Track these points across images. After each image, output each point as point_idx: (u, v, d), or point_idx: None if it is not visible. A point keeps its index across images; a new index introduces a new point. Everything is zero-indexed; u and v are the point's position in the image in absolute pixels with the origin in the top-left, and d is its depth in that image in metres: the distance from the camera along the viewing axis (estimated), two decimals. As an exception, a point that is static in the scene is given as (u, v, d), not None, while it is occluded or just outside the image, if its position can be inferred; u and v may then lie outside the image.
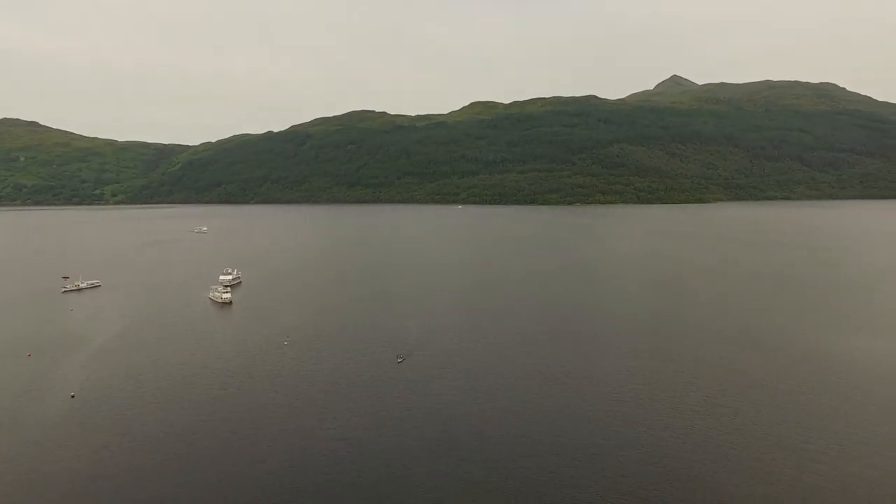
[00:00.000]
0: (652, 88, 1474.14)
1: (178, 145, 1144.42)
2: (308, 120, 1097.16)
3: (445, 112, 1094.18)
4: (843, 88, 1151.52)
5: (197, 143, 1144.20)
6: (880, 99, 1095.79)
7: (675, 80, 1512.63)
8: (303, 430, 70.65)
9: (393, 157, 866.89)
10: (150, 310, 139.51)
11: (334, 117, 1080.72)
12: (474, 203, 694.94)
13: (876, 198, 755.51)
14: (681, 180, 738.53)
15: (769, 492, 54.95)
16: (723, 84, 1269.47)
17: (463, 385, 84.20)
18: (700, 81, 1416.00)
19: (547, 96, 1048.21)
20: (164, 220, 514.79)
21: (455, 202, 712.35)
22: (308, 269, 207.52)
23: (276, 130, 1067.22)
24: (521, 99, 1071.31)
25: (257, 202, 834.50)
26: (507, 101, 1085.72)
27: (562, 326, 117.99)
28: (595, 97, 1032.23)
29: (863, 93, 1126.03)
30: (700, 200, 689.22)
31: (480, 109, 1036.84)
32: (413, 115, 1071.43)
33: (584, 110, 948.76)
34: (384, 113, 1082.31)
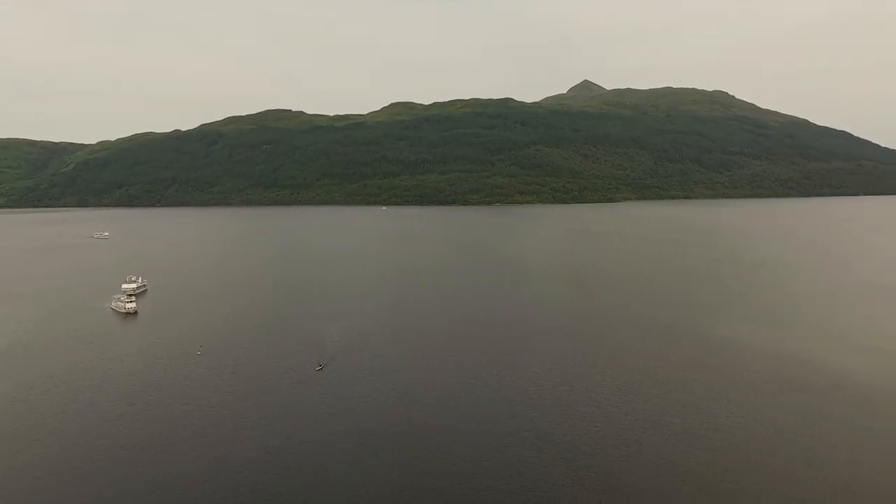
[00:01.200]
0: (565, 92, 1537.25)
1: (71, 144, 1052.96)
2: (219, 119, 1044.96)
3: (365, 112, 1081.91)
4: (733, 96, 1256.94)
5: (93, 141, 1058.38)
6: (763, 107, 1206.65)
7: (586, 85, 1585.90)
8: (218, 441, 66.95)
9: (311, 158, 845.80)
10: (43, 322, 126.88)
11: (248, 116, 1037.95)
12: (397, 204, 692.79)
13: (763, 196, 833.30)
14: (593, 180, 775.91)
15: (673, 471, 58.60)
16: (629, 90, 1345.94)
17: (386, 390, 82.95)
18: (609, 87, 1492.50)
19: (466, 98, 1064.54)
20: (58, 224, 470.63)
21: (377, 203, 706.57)
22: (221, 274, 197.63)
23: (183, 129, 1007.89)
24: (442, 100, 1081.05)
25: (165, 205, 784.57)
26: (426, 102, 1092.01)
27: (486, 325, 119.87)
28: (512, 100, 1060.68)
29: (749, 101, 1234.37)
30: (611, 200, 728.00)
31: (400, 110, 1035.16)
32: (332, 115, 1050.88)
33: (502, 112, 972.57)
34: (301, 112, 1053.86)
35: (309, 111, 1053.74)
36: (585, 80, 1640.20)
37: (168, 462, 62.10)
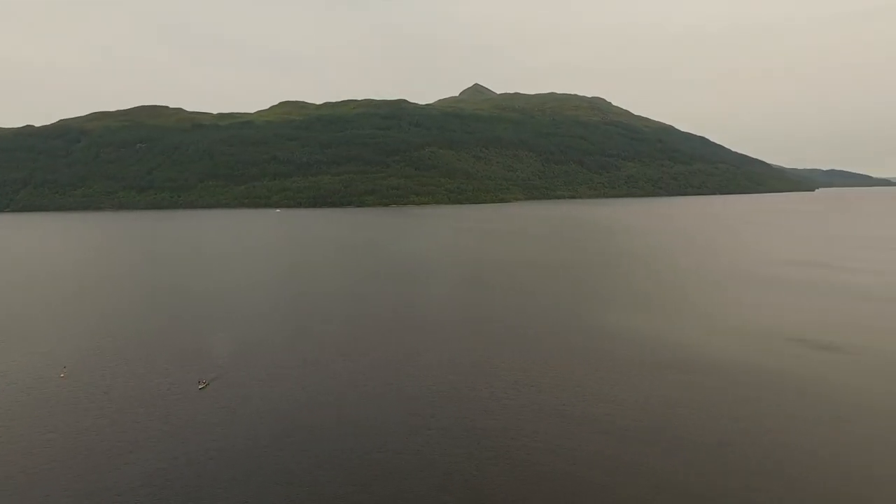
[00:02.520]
0: (457, 95, 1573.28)
1: None
2: (83, 114, 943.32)
3: (252, 111, 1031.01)
4: (609, 102, 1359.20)
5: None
6: (636, 113, 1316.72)
7: (477, 89, 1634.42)
8: (87, 472, 59.43)
9: (193, 159, 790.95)
10: None
11: (118, 112, 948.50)
12: (290, 206, 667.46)
13: (637, 195, 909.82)
14: (486, 182, 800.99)
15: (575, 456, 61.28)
16: (517, 94, 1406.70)
17: (278, 406, 77.90)
18: (498, 90, 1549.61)
19: (359, 98, 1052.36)
20: None
21: (268, 205, 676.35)
22: (86, 282, 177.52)
23: (37, 125, 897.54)
24: (333, 100, 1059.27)
25: (14, 210, 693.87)
26: (318, 101, 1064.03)
27: (380, 324, 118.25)
28: (406, 101, 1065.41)
29: (624, 107, 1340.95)
30: (503, 200, 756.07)
31: (290, 110, 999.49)
32: (215, 113, 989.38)
33: (395, 114, 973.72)
34: (180, 110, 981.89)
35: (189, 109, 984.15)
36: (476, 84, 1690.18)
37: (30, 500, 53.97)
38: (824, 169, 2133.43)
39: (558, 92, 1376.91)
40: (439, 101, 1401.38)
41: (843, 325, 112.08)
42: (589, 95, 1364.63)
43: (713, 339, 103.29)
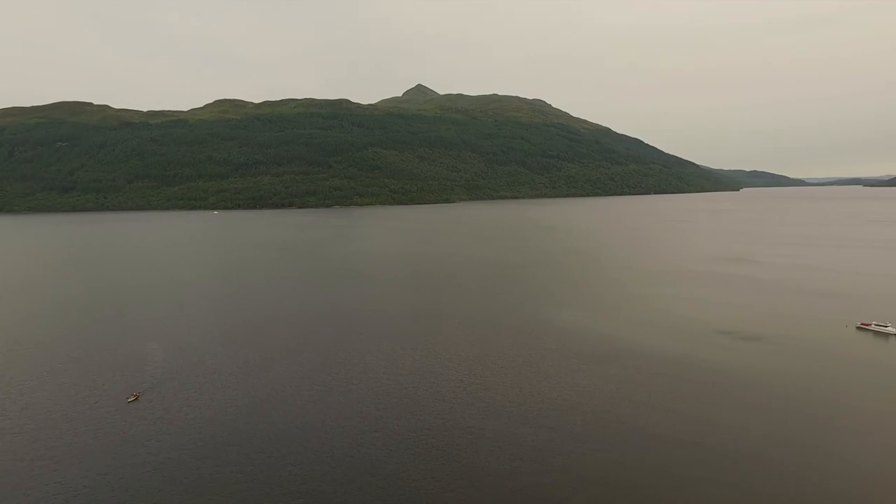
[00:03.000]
0: (400, 95, 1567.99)
1: None
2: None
3: (186, 109, 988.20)
4: (550, 105, 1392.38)
5: None
6: (575, 115, 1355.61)
7: (420, 89, 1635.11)
8: (5, 491, 54.99)
9: (121, 158, 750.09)
10: None
11: (34, 108, 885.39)
12: (228, 208, 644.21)
13: (577, 195, 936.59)
14: (430, 182, 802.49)
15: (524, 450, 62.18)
16: (460, 95, 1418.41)
17: (216, 415, 74.82)
18: (441, 91, 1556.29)
19: (300, 98, 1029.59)
20: None
21: (204, 207, 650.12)
22: (6, 291, 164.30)
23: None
24: (273, 99, 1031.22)
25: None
26: (256, 100, 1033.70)
27: (328, 329, 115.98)
28: (348, 101, 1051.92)
29: (563, 109, 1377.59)
30: (447, 200, 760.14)
31: (227, 108, 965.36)
32: (145, 110, 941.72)
33: (337, 114, 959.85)
34: (106, 107, 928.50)
35: (116, 105, 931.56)
36: (419, 84, 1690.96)
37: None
38: (747, 170, 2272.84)
39: (500, 93, 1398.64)
40: (382, 101, 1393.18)
41: (762, 315, 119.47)
42: (530, 97, 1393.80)
43: (649, 333, 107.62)
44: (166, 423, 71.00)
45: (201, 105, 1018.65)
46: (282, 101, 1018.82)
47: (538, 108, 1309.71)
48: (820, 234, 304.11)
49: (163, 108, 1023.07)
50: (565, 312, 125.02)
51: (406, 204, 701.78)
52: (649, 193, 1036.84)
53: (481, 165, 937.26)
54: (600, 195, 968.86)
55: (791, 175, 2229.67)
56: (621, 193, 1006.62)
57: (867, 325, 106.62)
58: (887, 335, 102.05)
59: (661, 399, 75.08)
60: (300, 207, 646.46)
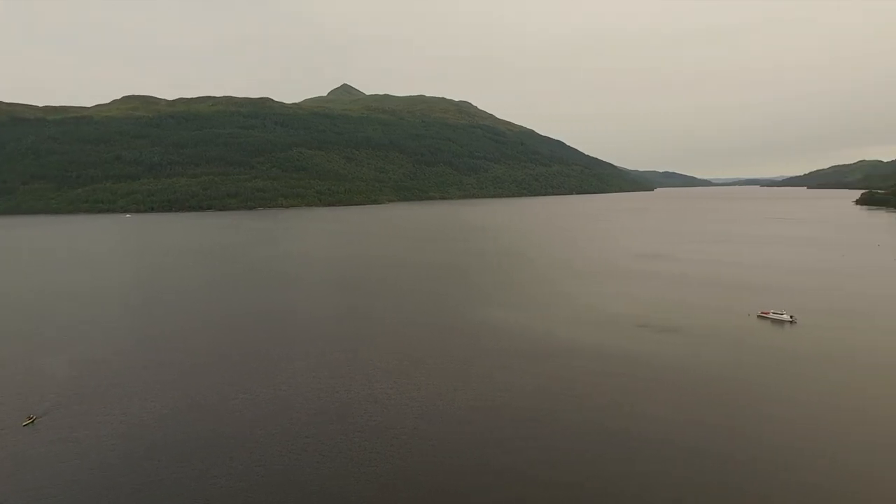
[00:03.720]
0: (325, 95, 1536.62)
1: None
2: None
3: (90, 105, 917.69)
4: (476, 106, 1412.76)
5: None
6: (500, 117, 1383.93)
7: (346, 89, 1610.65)
8: None
9: (13, 158, 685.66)
10: None
11: None
12: (140, 211, 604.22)
13: (503, 196, 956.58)
14: (357, 183, 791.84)
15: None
16: (387, 95, 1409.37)
17: (129, 432, 69.36)
18: (367, 91, 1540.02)
19: (218, 95, 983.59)
20: None
21: (113, 210, 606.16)
22: None
23: None
24: (188, 96, 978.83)
25: None
26: (169, 97, 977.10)
27: (251, 335, 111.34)
28: (270, 100, 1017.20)
29: (488, 111, 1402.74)
30: (375, 202, 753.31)
31: (137, 105, 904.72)
32: (41, 105, 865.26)
33: (259, 112, 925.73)
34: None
35: (5, 99, 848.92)
36: (345, 84, 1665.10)
37: None
38: (661, 171, 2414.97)
39: (427, 94, 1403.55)
40: (307, 100, 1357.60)
41: (677, 307, 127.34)
42: (456, 99, 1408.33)
43: (577, 329, 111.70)
44: (71, 443, 65.23)
45: (107, 101, 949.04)
46: (199, 98, 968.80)
47: (464, 109, 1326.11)
48: (725, 230, 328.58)
49: (63, 103, 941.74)
50: (498, 312, 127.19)
51: (333, 205, 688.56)
52: (572, 193, 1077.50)
53: (409, 166, 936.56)
54: (526, 195, 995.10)
55: (699, 176, 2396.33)
56: (545, 194, 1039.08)
57: (766, 313, 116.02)
58: (783, 322, 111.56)
59: (590, 392, 78.01)
60: (220, 210, 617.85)
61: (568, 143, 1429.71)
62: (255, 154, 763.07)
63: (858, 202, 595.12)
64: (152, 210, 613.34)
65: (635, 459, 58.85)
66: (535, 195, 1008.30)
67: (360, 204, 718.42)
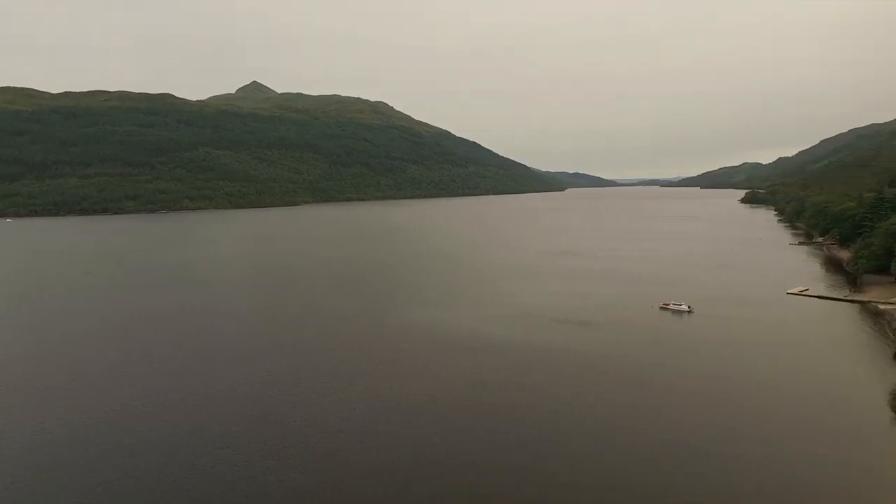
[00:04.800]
0: (234, 93, 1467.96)
1: None
2: None
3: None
4: (392, 107, 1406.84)
5: None
6: (416, 118, 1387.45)
7: (257, 87, 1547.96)
8: None
9: None
10: None
11: None
12: (21, 215, 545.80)
13: (421, 197, 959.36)
14: (271, 184, 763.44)
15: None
16: (300, 94, 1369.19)
17: (24, 446, 62.89)
18: (279, 90, 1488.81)
19: (112, 90, 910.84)
20: None
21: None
22: None
23: None
24: (76, 90, 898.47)
25: None
26: (54, 90, 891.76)
27: (150, 343, 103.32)
28: (172, 96, 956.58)
29: (405, 112, 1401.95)
30: (290, 203, 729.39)
31: (14, 98, 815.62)
32: None
33: (160, 109, 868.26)
34: None
35: None
36: (255, 82, 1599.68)
37: None
38: (570, 172, 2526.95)
39: (342, 94, 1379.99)
40: (213, 97, 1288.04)
41: (588, 302, 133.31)
42: (372, 99, 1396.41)
43: (493, 325, 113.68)
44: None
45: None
46: (89, 92, 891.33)
47: (380, 110, 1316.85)
48: (629, 228, 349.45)
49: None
50: (423, 311, 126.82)
51: (245, 207, 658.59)
52: (488, 194, 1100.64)
53: (325, 167, 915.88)
54: (443, 196, 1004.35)
55: (606, 177, 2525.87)
56: (462, 194, 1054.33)
57: (667, 305, 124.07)
58: (681, 313, 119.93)
59: (511, 383, 79.67)
60: (117, 213, 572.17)
61: (483, 145, 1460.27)
62: (157, 153, 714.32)
63: (743, 200, 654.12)
64: (35, 214, 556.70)
65: (557, 446, 60.42)
66: (452, 196, 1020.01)
67: (275, 206, 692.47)
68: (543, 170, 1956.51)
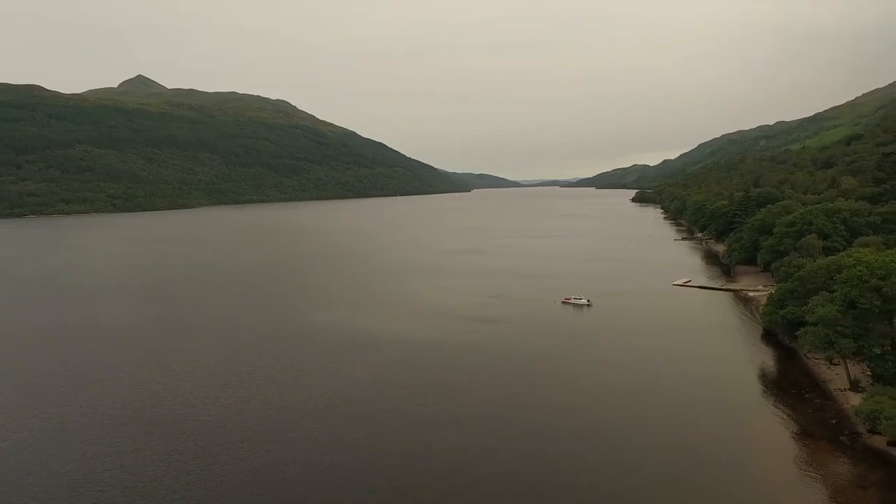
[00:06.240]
0: (116, 87, 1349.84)
1: None
2: None
3: None
4: (295, 106, 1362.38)
5: None
6: (321, 118, 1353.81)
7: (142, 81, 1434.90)
8: None
9: None
10: None
11: None
12: None
13: (327, 198, 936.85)
14: (161, 186, 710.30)
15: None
16: (193, 91, 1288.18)
17: None
18: (169, 85, 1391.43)
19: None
20: None
21: None
22: None
23: None
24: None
25: None
26: None
27: (32, 360, 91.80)
28: (42, 88, 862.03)
29: (308, 112, 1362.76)
30: (184, 206, 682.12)
31: None
32: None
33: (26, 102, 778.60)
34: None
35: None
36: (140, 75, 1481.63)
37: None
38: (476, 173, 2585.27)
39: (240, 92, 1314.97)
40: (92, 91, 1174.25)
41: (494, 298, 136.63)
42: (273, 98, 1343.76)
43: (405, 322, 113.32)
44: None
45: None
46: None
47: (282, 109, 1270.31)
48: (530, 226, 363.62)
49: None
50: (327, 312, 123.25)
51: (132, 211, 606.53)
52: (395, 195, 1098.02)
53: (222, 168, 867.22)
54: (350, 197, 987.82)
55: (509, 178, 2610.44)
56: (369, 195, 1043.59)
57: (568, 299, 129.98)
58: (581, 306, 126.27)
59: (416, 380, 79.74)
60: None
61: (390, 146, 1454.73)
62: (24, 152, 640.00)
63: (633, 199, 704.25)
64: None
65: (466, 440, 60.80)
66: (359, 197, 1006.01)
67: (166, 209, 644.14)
68: (450, 171, 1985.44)
